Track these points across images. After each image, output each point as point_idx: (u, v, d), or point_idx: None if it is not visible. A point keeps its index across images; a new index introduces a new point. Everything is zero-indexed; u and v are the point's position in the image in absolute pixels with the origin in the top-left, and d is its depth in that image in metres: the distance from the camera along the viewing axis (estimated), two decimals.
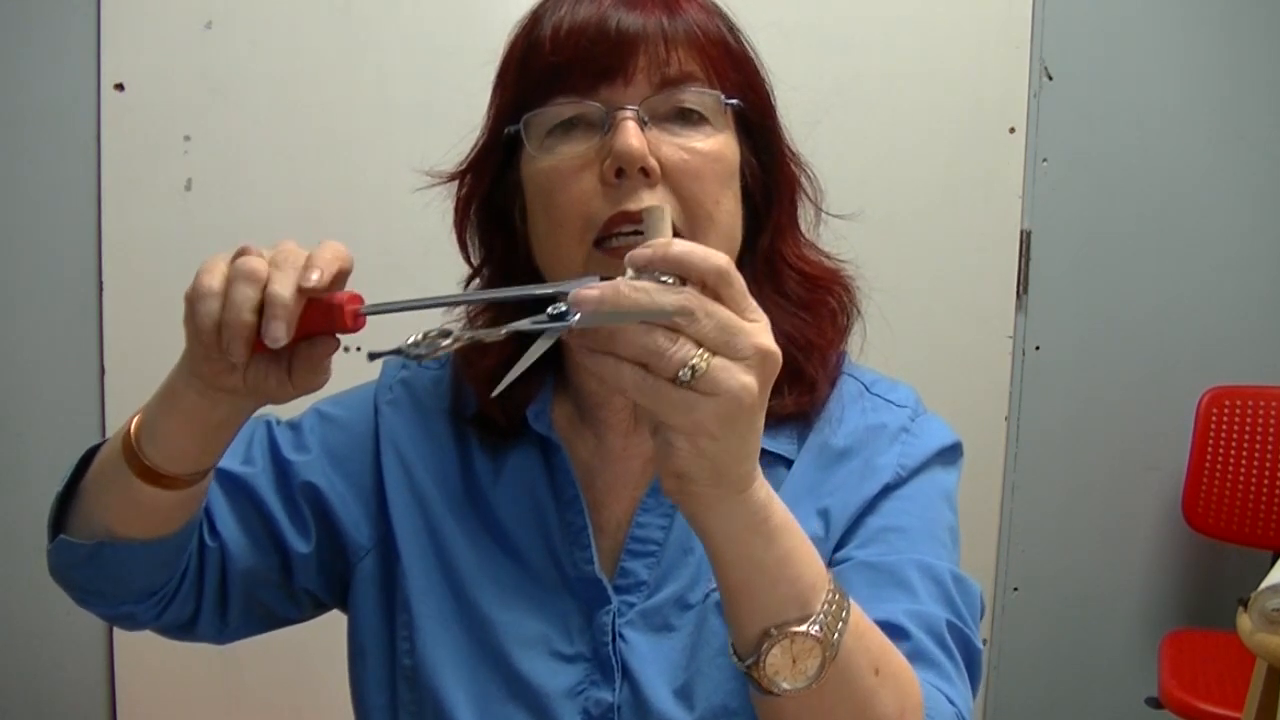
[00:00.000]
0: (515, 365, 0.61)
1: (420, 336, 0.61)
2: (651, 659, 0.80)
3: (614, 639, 0.81)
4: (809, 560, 0.64)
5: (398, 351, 0.61)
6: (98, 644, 2.14)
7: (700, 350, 0.57)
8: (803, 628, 0.62)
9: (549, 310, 0.59)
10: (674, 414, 0.57)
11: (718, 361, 0.57)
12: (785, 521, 0.63)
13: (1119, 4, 2.29)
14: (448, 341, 0.61)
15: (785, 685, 0.63)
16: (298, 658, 2.13)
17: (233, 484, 0.87)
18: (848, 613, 0.64)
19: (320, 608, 0.93)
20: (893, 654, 0.68)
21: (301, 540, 0.88)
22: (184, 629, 0.88)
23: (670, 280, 0.58)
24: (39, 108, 2.03)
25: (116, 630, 2.12)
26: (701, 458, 0.58)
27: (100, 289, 2.06)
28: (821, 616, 0.62)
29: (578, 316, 0.57)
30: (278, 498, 0.88)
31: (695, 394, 0.57)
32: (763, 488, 0.62)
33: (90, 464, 0.80)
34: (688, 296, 0.57)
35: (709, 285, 0.58)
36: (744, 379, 0.57)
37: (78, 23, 2.01)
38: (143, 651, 2.14)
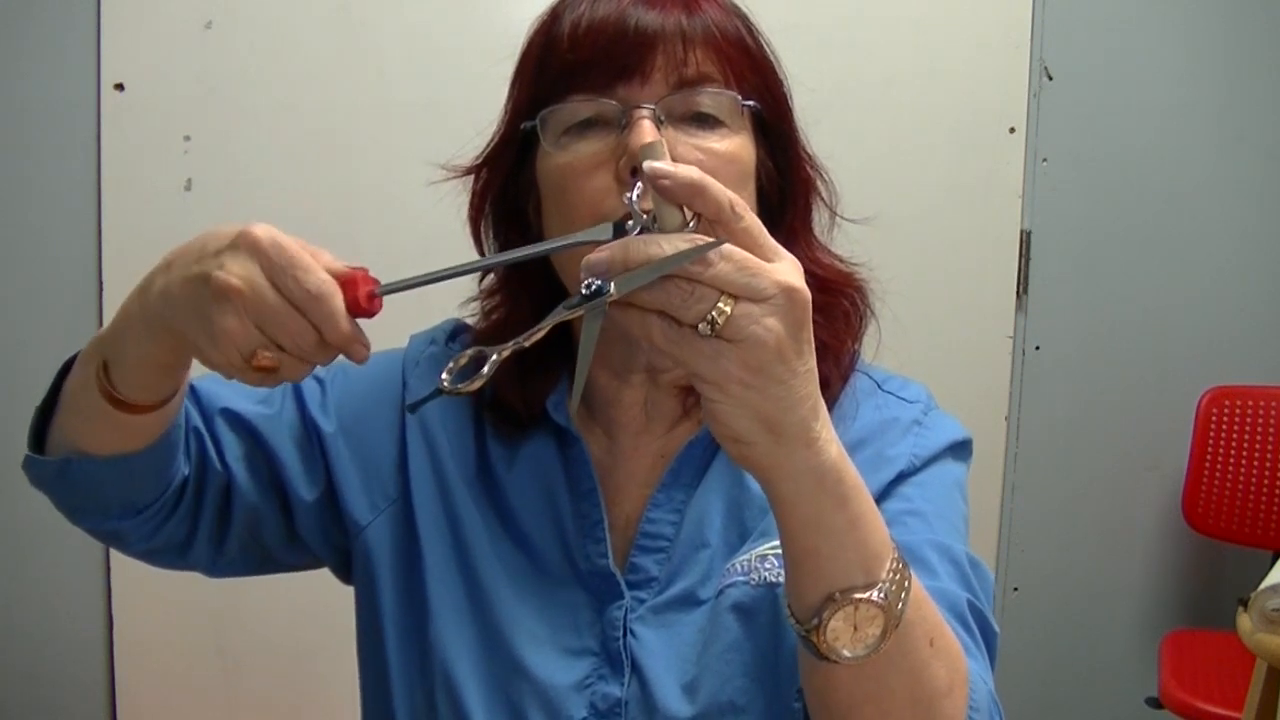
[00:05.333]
0: (578, 361, 0.60)
1: (453, 365, 0.59)
2: (661, 655, 0.80)
3: (624, 634, 0.81)
4: (876, 526, 0.63)
5: (439, 392, 0.59)
6: (98, 644, 2.14)
7: (721, 296, 0.56)
8: (867, 594, 0.61)
9: (582, 289, 0.57)
10: (702, 364, 0.57)
11: (740, 307, 0.56)
12: (857, 484, 0.62)
13: (1119, 4, 2.29)
14: (487, 367, 0.58)
15: (846, 653, 0.62)
16: (298, 658, 2.13)
17: (243, 424, 0.87)
18: (910, 582, 0.63)
19: (317, 562, 0.93)
20: (945, 627, 0.68)
21: (308, 488, 0.87)
22: (177, 551, 0.87)
23: (689, 221, 0.57)
24: (39, 108, 2.03)
25: (116, 630, 2.13)
26: (744, 410, 0.57)
27: (100, 289, 2.06)
28: (886, 584, 0.62)
29: (613, 288, 0.56)
30: (291, 443, 0.87)
31: (721, 341, 0.56)
32: (833, 445, 0.61)
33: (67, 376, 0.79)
34: (699, 238, 0.56)
35: (722, 222, 0.57)
36: (768, 322, 0.56)
37: (78, 23, 2.01)
38: (143, 651, 2.14)
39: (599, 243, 0.58)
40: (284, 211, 2.08)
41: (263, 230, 0.62)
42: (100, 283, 2.06)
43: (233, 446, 0.86)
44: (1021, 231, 2.30)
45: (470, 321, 0.92)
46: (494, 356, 0.59)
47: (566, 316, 0.58)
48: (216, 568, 0.90)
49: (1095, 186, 2.32)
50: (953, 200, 2.26)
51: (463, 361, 0.59)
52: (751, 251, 0.57)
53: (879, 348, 0.90)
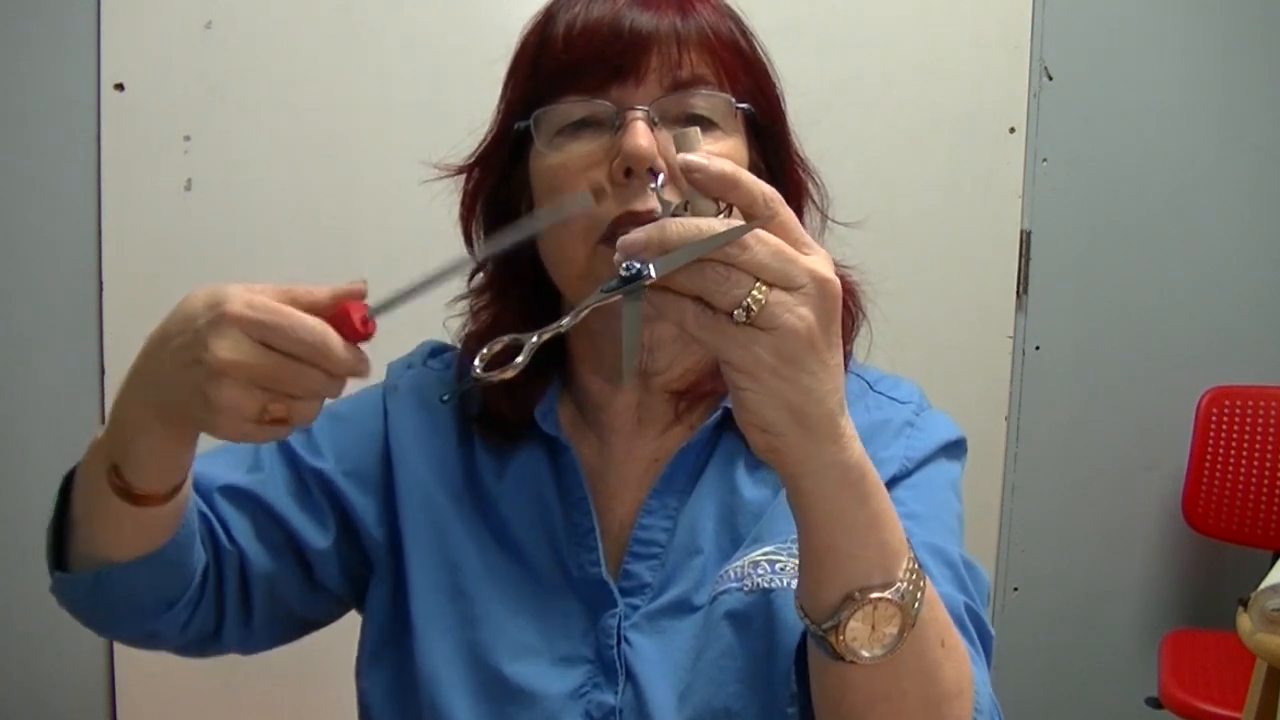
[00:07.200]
0: (624, 341, 0.59)
1: (486, 352, 0.58)
2: (655, 662, 0.80)
3: (619, 642, 0.80)
4: (894, 526, 0.63)
5: (475, 380, 0.58)
6: (97, 644, 2.14)
7: (756, 283, 0.56)
8: (885, 594, 0.61)
9: (621, 272, 0.56)
10: (734, 351, 0.56)
11: (775, 295, 0.56)
12: (877, 482, 0.62)
13: (1119, 4, 2.29)
14: (523, 355, 0.58)
15: (864, 653, 0.62)
16: (298, 658, 2.13)
17: (241, 496, 0.86)
18: (925, 582, 0.63)
19: (342, 606, 0.93)
20: (954, 629, 0.68)
21: (320, 536, 0.87)
22: (210, 639, 0.86)
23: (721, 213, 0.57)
24: (39, 108, 2.03)
25: None
26: (774, 400, 0.57)
27: (100, 289, 2.06)
28: (903, 584, 0.62)
29: (652, 271, 0.56)
30: (291, 499, 0.87)
31: (754, 329, 0.56)
32: (856, 443, 0.61)
33: (69, 492, 0.77)
34: (737, 222, 0.56)
35: (756, 215, 0.57)
36: (800, 311, 0.56)
37: (78, 23, 2.00)
38: (143, 652, 2.14)
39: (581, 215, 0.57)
40: (284, 211, 2.09)
41: (236, 301, 0.61)
42: (100, 283, 2.06)
43: (237, 521, 0.85)
44: (1021, 231, 2.30)
45: (447, 340, 0.92)
46: (531, 341, 0.58)
47: (605, 300, 0.57)
48: (248, 645, 0.89)
49: (1095, 186, 2.32)
50: (953, 200, 2.26)
51: (496, 349, 0.59)
52: (788, 243, 0.57)
53: (870, 348, 0.90)
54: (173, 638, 0.83)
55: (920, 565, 0.64)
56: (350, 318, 0.62)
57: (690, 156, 0.58)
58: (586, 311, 0.59)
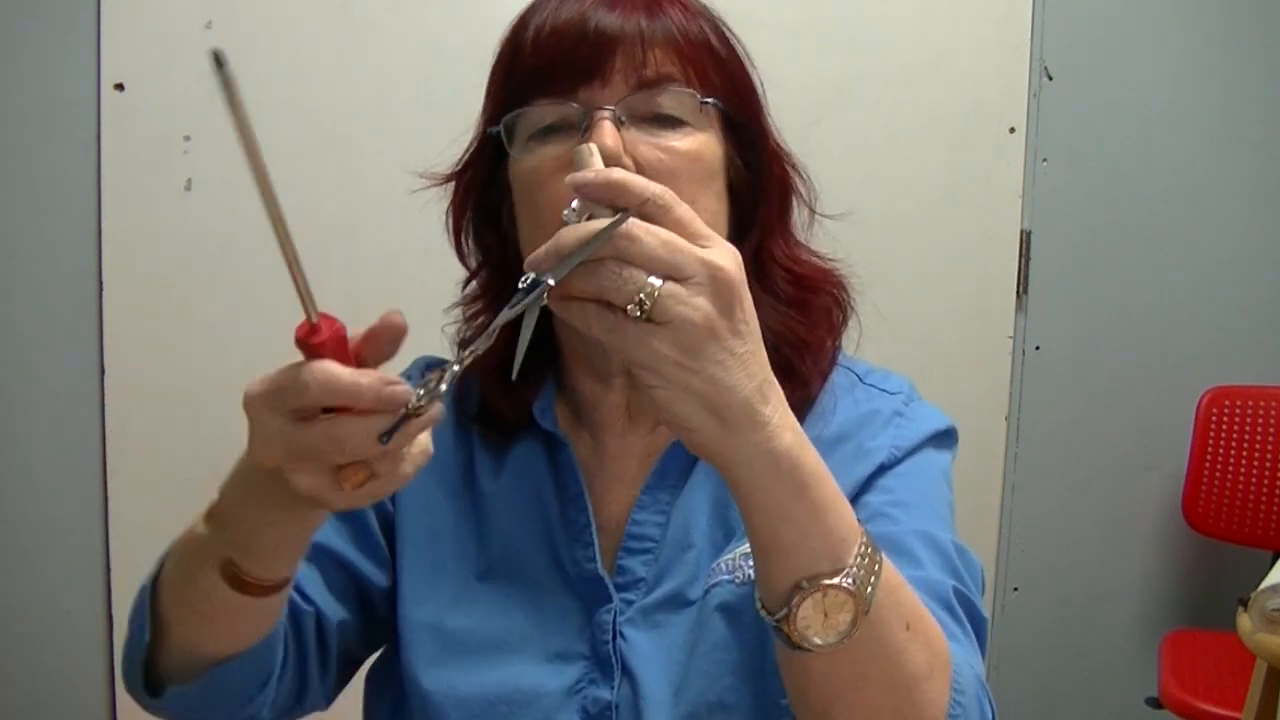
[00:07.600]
0: (517, 348, 0.60)
1: (422, 390, 0.56)
2: (650, 656, 0.80)
3: (614, 637, 0.81)
4: (842, 512, 0.63)
5: (407, 416, 0.56)
6: (98, 644, 2.14)
7: (651, 279, 0.57)
8: (835, 580, 0.61)
9: (520, 285, 0.58)
10: (637, 349, 0.57)
11: (667, 288, 0.57)
12: (817, 471, 0.62)
13: (1119, 4, 2.29)
14: (445, 382, 0.57)
15: (817, 640, 0.61)
16: None
17: (309, 549, 0.83)
18: (880, 566, 0.63)
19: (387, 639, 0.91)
20: (923, 610, 0.67)
21: (383, 575, 0.87)
22: (295, 701, 0.83)
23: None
24: (39, 108, 2.03)
25: (116, 630, 2.12)
26: (683, 394, 0.58)
27: (100, 288, 2.06)
28: (854, 569, 0.61)
29: (549, 279, 0.57)
30: (349, 542, 0.86)
31: (652, 324, 0.57)
32: (787, 432, 0.60)
33: (154, 608, 0.73)
34: (623, 217, 0.58)
35: (649, 213, 0.59)
36: (695, 301, 0.57)
37: (78, 23, 2.01)
38: None
39: None
40: (284, 211, 2.08)
41: (248, 392, 0.57)
42: (100, 283, 2.06)
43: (308, 575, 0.84)
44: (1021, 231, 2.30)
45: (443, 356, 0.92)
46: (454, 369, 0.58)
47: (510, 316, 0.58)
48: (327, 698, 0.87)
49: (1095, 186, 2.32)
50: (953, 200, 2.26)
51: (433, 384, 0.58)
52: (684, 237, 0.59)
53: (860, 340, 0.90)
54: (266, 712, 0.80)
55: (876, 550, 0.63)
56: (321, 340, 0.56)
57: (576, 174, 0.60)
58: (493, 338, 0.59)
